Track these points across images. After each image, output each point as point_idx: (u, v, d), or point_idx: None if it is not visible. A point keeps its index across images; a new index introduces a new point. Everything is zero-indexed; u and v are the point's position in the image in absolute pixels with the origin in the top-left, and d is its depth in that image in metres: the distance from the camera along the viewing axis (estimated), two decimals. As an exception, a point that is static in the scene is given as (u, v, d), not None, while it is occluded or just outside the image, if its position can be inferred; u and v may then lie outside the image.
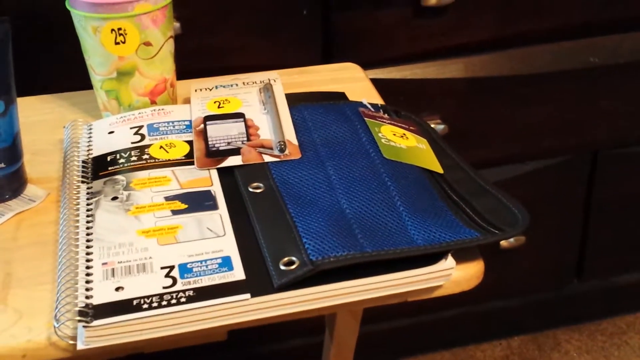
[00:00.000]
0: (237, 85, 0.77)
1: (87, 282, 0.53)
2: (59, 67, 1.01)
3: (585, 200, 1.36)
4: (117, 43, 0.70)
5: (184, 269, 0.54)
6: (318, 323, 1.20)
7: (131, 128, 0.71)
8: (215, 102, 0.73)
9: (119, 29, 0.69)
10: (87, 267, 0.55)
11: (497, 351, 1.49)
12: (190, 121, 0.72)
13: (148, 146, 0.68)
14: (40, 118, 0.78)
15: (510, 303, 1.46)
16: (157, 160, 0.66)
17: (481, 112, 1.20)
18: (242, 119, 0.71)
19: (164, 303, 0.51)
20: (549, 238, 1.38)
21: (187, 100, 0.77)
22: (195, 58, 1.04)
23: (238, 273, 0.54)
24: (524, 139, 1.25)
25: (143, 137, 0.69)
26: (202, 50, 1.05)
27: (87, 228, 0.59)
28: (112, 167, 0.66)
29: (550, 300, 1.48)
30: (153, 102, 0.75)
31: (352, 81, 0.83)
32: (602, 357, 1.47)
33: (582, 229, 1.39)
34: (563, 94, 1.22)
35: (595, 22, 1.19)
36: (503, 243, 1.31)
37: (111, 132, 0.71)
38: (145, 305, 0.51)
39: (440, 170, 0.66)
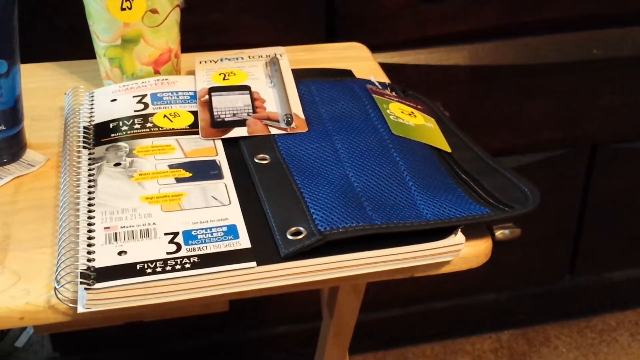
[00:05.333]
0: (242, 58, 0.76)
1: (89, 245, 0.52)
2: (60, 36, 1.00)
3: (581, 195, 1.35)
4: (123, 9, 0.69)
5: (189, 236, 0.53)
6: (312, 310, 1.19)
7: (134, 96, 0.69)
8: (220, 74, 0.72)
9: (126, -6, 0.68)
10: (89, 231, 0.53)
11: (487, 344, 1.48)
12: (194, 92, 0.70)
13: (152, 115, 0.67)
14: (40, 84, 0.77)
15: (501, 296, 1.45)
16: (160, 129, 0.65)
17: (482, 100, 1.20)
18: (247, 92, 0.70)
19: (168, 268, 0.50)
20: (543, 231, 1.37)
21: (190, 73, 0.76)
22: (197, 34, 1.03)
23: (244, 241, 0.53)
24: (523, 130, 1.24)
25: (146, 105, 0.68)
26: (205, 26, 1.04)
27: (89, 193, 0.57)
28: (115, 134, 0.64)
29: (542, 295, 1.48)
30: (157, 72, 0.74)
31: (358, 60, 0.82)
32: (591, 353, 1.47)
33: (577, 224, 1.39)
34: (564, 86, 1.22)
35: (599, 14, 1.19)
36: (498, 235, 1.30)
37: (114, 100, 0.69)
38: (149, 270, 0.50)
39: (448, 149, 0.65)
